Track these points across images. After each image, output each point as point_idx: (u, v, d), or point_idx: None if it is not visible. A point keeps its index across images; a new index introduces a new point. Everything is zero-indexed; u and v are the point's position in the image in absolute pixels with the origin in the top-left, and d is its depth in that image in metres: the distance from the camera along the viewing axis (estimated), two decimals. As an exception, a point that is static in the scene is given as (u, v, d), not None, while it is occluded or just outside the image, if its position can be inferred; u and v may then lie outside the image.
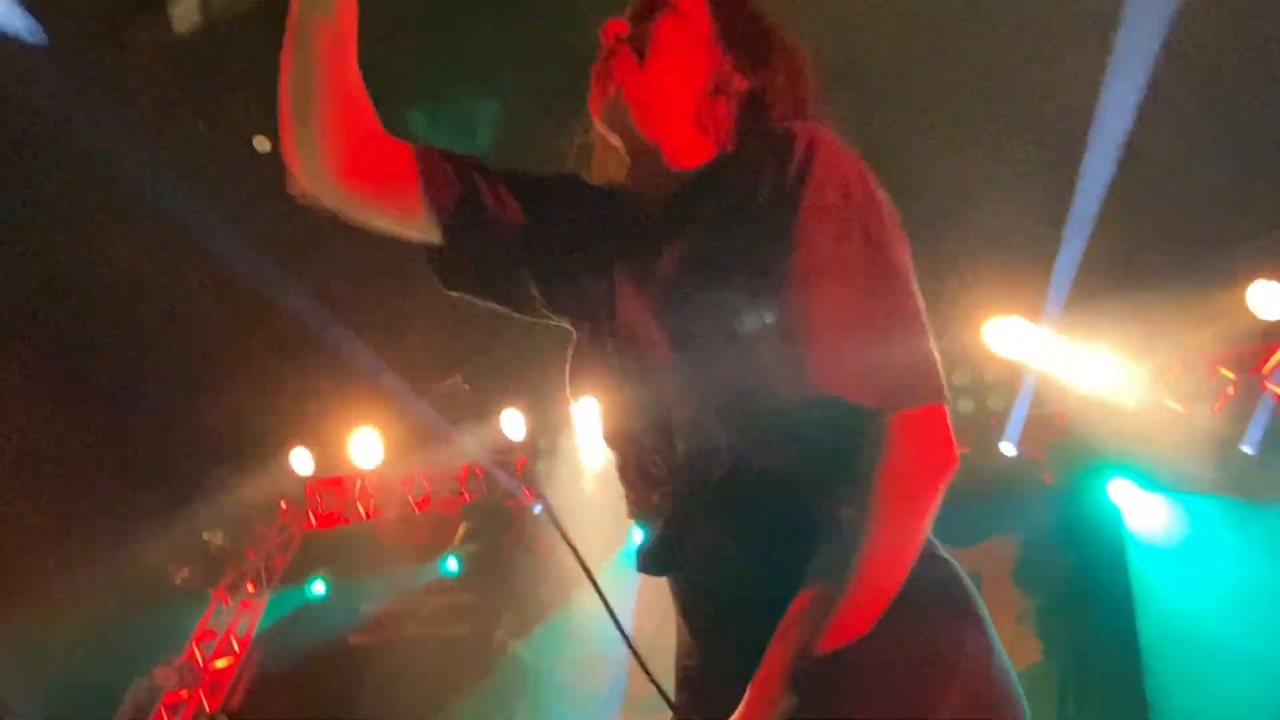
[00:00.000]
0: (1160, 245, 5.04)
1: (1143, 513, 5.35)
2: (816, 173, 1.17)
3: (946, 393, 1.10)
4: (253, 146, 5.11)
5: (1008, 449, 5.77)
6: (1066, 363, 5.62)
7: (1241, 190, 4.77)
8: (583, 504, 6.31)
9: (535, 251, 1.41)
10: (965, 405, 5.87)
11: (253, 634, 7.18)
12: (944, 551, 1.21)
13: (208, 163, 5.26)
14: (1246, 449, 5.16)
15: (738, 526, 1.19)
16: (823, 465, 1.10)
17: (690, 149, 1.35)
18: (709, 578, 1.23)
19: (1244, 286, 5.08)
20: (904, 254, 1.17)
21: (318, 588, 7.26)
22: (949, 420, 1.10)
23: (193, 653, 6.98)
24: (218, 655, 7.03)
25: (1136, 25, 4.40)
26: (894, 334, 1.10)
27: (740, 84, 1.34)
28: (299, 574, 7.35)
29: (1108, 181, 4.81)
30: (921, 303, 1.14)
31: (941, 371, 1.10)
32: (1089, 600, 5.29)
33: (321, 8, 1.28)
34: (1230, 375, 5.39)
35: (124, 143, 5.25)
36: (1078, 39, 4.54)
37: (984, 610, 1.19)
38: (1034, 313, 5.52)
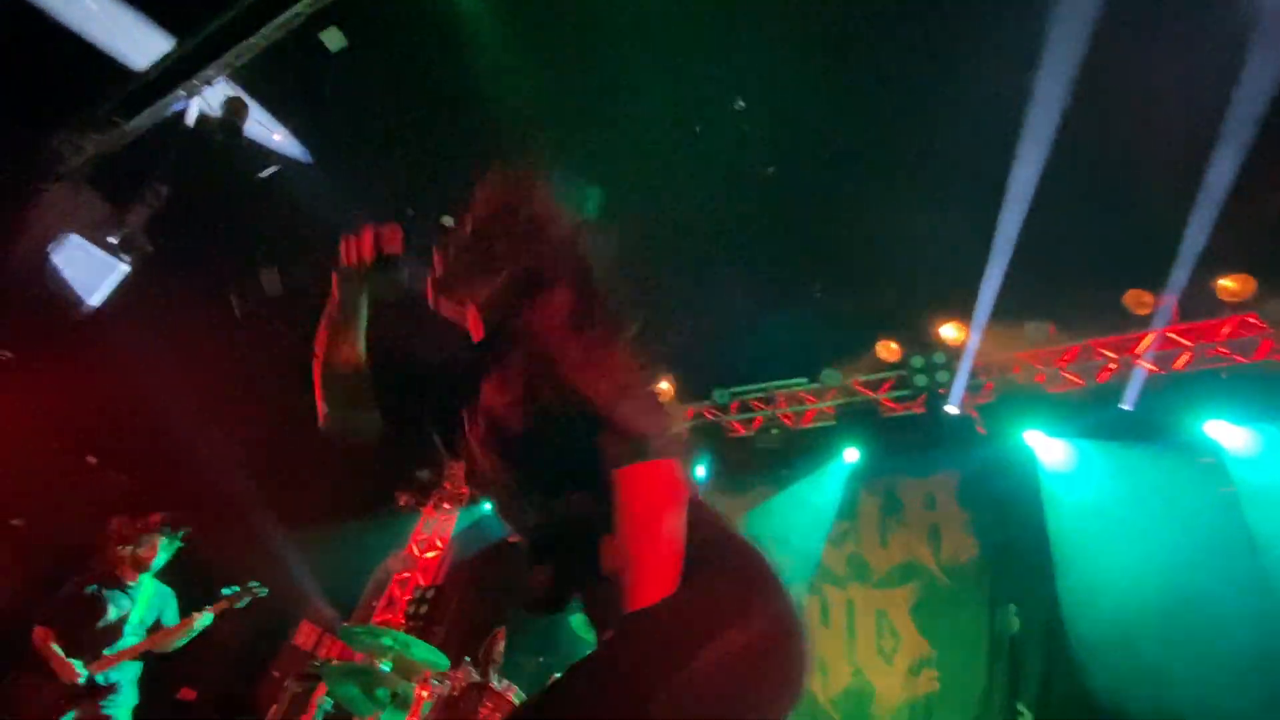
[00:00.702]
0: (1059, 266, 5.17)
1: (1050, 452, 5.36)
2: (539, 320, 1.18)
3: (668, 448, 1.07)
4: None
5: (951, 409, 5.93)
6: (993, 349, 5.81)
7: (1120, 232, 4.89)
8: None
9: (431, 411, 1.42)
10: (921, 380, 6.07)
11: (450, 536, 7.57)
12: (740, 533, 1.20)
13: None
14: (1125, 407, 5.29)
15: (561, 551, 1.19)
16: (601, 508, 1.06)
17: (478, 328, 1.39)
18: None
19: (1121, 293, 5.22)
20: (619, 349, 1.14)
21: (487, 507, 7.46)
22: (670, 469, 1.06)
23: (411, 548, 7.47)
24: (428, 549, 7.47)
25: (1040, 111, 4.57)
26: (612, 413, 1.06)
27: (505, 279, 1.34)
28: (478, 498, 7.51)
29: (1019, 227, 5.00)
30: (644, 378, 1.13)
31: (663, 432, 1.07)
32: (1012, 513, 5.30)
33: (358, 313, 1.35)
34: (1112, 355, 5.53)
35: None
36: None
37: (768, 570, 1.14)
38: (969, 314, 5.72)
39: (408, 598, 7.03)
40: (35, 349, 5.52)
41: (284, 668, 5.76)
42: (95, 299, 5.99)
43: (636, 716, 0.91)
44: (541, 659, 3.68)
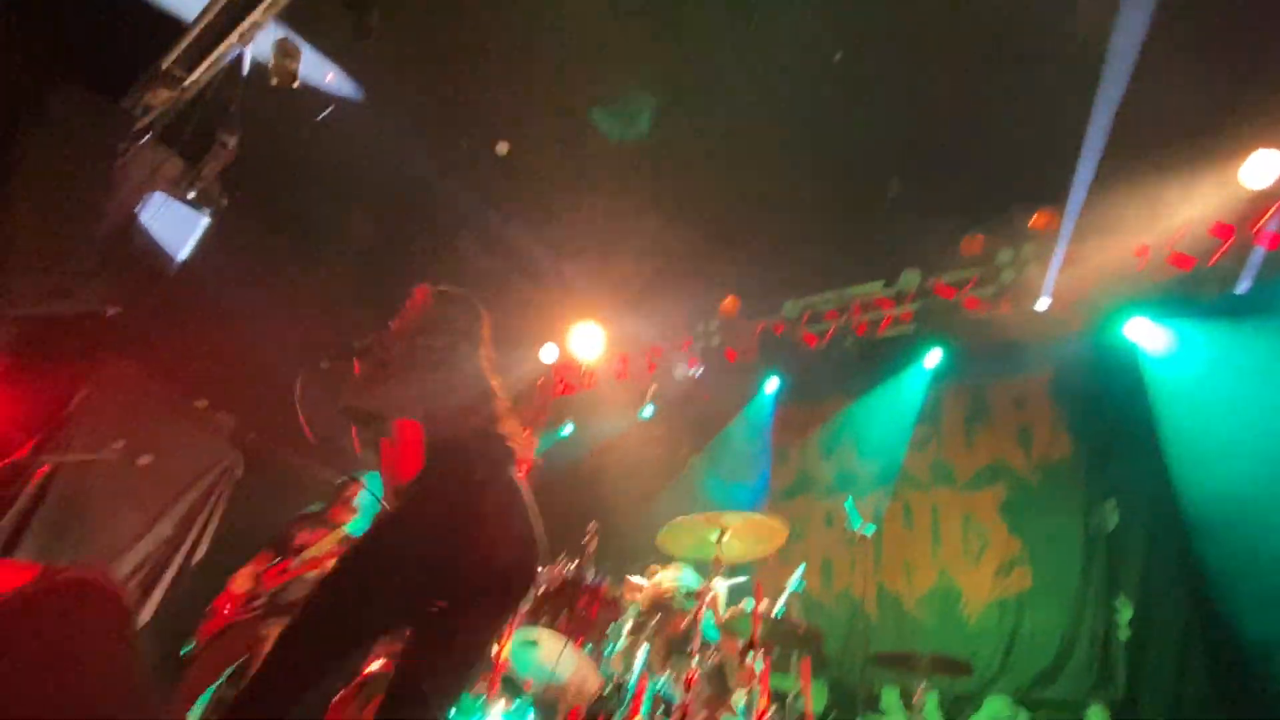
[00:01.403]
0: (1162, 142, 4.70)
1: (1153, 339, 5.03)
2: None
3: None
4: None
5: (1043, 303, 5.64)
6: (1088, 235, 5.39)
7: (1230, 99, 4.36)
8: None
9: None
10: (1009, 274, 5.76)
11: (532, 460, 8.02)
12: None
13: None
14: (1239, 289, 4.87)
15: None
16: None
17: None
18: None
19: (1237, 164, 4.71)
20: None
21: (567, 430, 7.93)
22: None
23: (497, 473, 8.03)
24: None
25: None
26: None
27: None
28: (555, 423, 8.01)
29: (1116, 104, 4.54)
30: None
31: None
32: (1110, 406, 5.10)
33: None
34: (1222, 235, 5.03)
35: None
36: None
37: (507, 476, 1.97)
38: (1061, 202, 5.30)
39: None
40: (138, 304, 5.92)
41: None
42: (183, 253, 6.30)
43: None
44: (635, 565, 3.81)
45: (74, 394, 5.49)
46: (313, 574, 3.85)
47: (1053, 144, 4.92)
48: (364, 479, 4.33)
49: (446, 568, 1.61)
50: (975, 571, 5.08)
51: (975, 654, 4.55)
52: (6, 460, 4.87)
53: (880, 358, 6.32)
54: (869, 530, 3.97)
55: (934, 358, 6.00)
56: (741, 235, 6.28)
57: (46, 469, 4.82)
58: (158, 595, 5.59)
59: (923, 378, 6.06)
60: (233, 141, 6.33)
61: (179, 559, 5.80)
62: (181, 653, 3.83)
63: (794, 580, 3.72)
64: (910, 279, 6.24)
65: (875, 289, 6.56)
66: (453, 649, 1.57)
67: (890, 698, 4.84)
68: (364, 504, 4.28)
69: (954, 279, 6.16)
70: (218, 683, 3.68)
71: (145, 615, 5.43)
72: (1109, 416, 5.06)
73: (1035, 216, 5.55)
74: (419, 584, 1.58)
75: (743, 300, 7.04)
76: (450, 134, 5.95)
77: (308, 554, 3.97)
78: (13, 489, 4.87)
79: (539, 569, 2.09)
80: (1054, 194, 5.21)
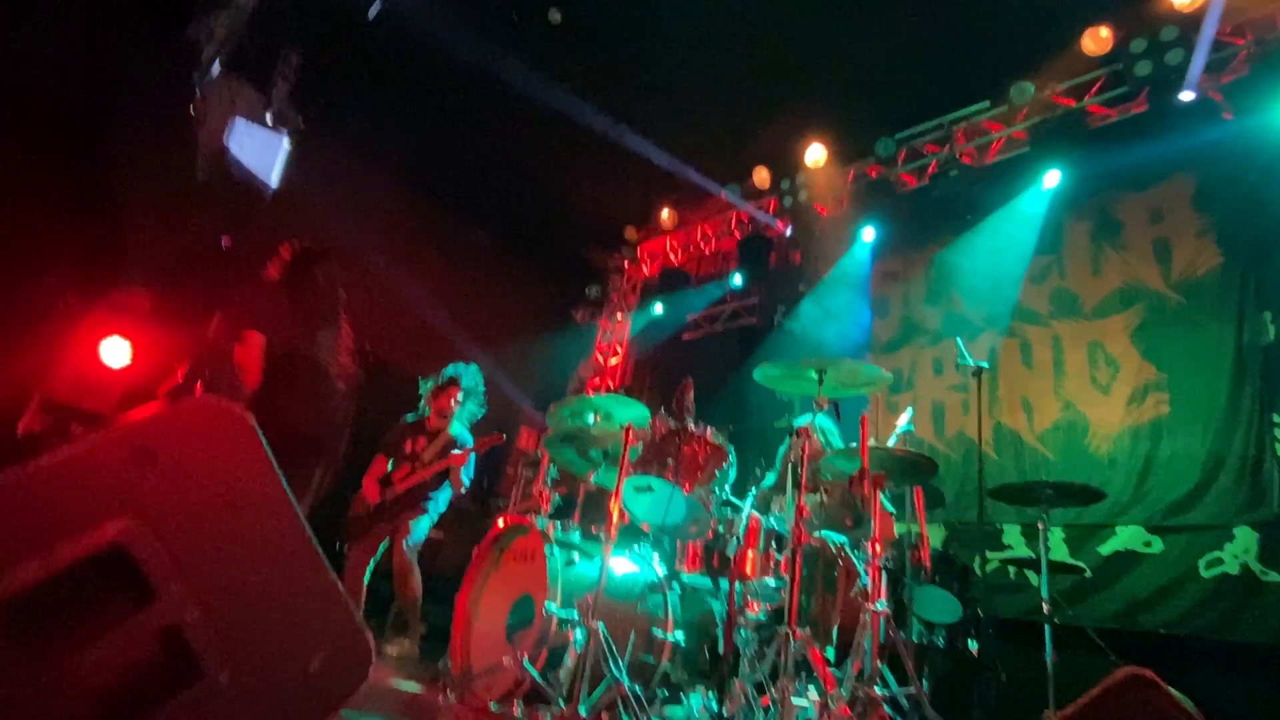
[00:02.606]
0: None
1: None
2: None
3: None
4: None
5: (1186, 96, 4.87)
6: (1247, 5, 4.53)
7: None
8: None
9: None
10: (1143, 68, 5.00)
11: (627, 341, 8.11)
12: None
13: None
14: None
15: None
16: None
17: None
18: None
19: None
20: None
21: (657, 309, 7.92)
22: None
23: (596, 357, 8.16)
24: (610, 355, 8.12)
25: None
26: None
27: None
28: (645, 302, 8.09)
29: None
30: None
31: None
32: (1269, 209, 4.43)
33: None
34: None
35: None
36: None
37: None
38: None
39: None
40: (244, 232, 6.30)
41: (514, 463, 6.77)
42: (274, 178, 6.56)
43: None
44: (732, 427, 3.87)
45: (210, 320, 6.04)
46: (432, 475, 4.46)
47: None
48: (457, 379, 4.68)
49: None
50: (1104, 402, 4.79)
51: (1105, 484, 4.38)
52: (168, 386, 5.53)
53: (990, 188, 5.80)
54: (983, 366, 3.79)
55: (1053, 178, 5.43)
56: (823, 71, 5.77)
57: (200, 389, 5.44)
58: (308, 500, 6.30)
59: (1039, 203, 5.52)
60: (295, 58, 6.39)
61: (327, 462, 6.47)
62: (337, 548, 4.44)
63: (903, 421, 3.67)
64: (1022, 92, 5.57)
65: (981, 110, 5.92)
66: None
67: (1012, 533, 4.81)
68: (457, 409, 4.69)
69: (1074, 85, 5.44)
70: (370, 569, 4.38)
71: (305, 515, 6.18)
72: (1265, 220, 4.46)
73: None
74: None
75: (831, 146, 6.58)
76: (501, 10, 5.70)
77: (426, 457, 4.53)
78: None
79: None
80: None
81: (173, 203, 5.64)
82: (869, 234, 6.49)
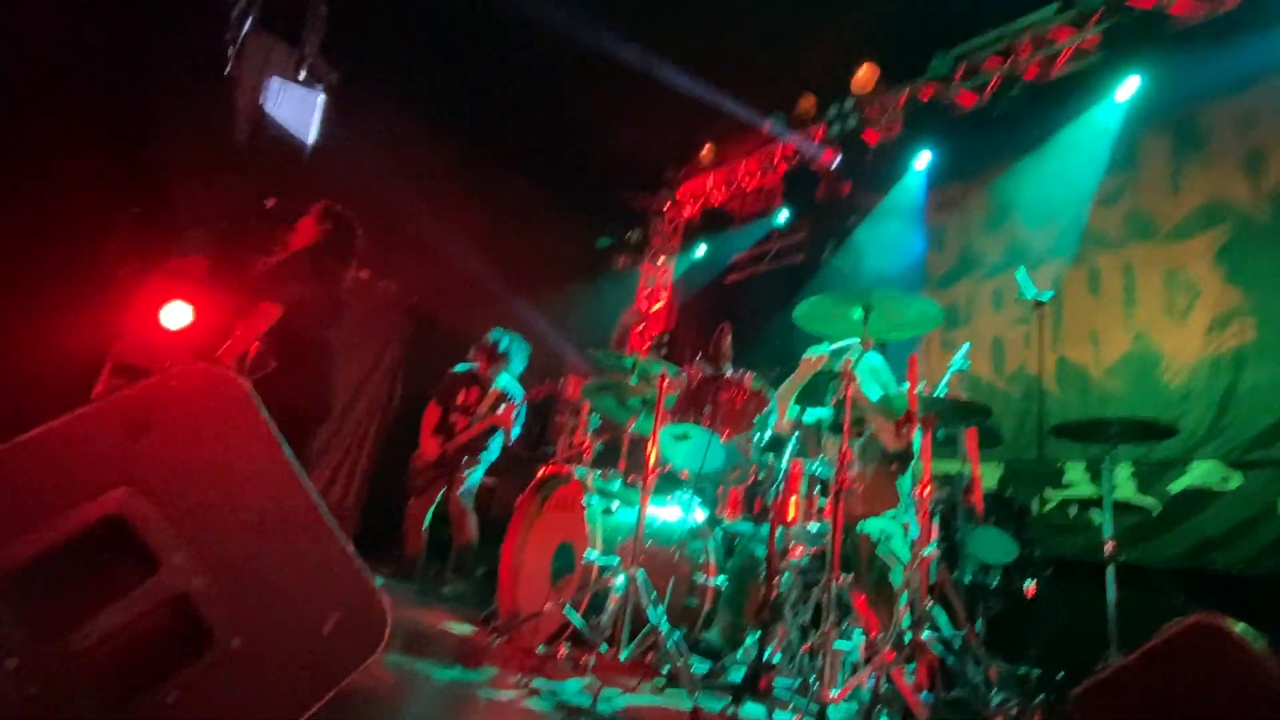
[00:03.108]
0: None
1: None
2: None
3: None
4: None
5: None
6: None
7: None
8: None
9: None
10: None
11: (671, 284, 7.99)
12: None
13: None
14: None
15: None
16: None
17: None
18: None
19: None
20: None
21: (700, 251, 7.78)
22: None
23: (639, 303, 8.09)
24: (653, 302, 8.01)
25: None
26: None
27: None
28: (687, 244, 7.92)
29: None
30: None
31: None
32: None
33: None
34: None
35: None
36: None
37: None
38: None
39: (646, 345, 7.69)
40: (285, 192, 6.38)
41: (562, 412, 6.85)
42: (311, 135, 6.56)
43: None
44: (778, 370, 3.77)
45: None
46: (485, 429, 4.69)
47: None
48: (504, 338, 4.78)
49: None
50: (1181, 330, 4.46)
51: (1179, 417, 4.12)
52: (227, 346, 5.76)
53: (1056, 105, 5.33)
54: (1046, 297, 3.54)
55: (1129, 88, 4.95)
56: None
57: (258, 347, 5.64)
58: (367, 448, 6.55)
59: (1113, 117, 5.06)
60: (324, 9, 6.29)
61: (379, 413, 6.69)
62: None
63: (957, 358, 3.49)
64: (1094, -8, 5.04)
65: (1048, 16, 5.40)
66: None
67: (1075, 471, 4.60)
68: (507, 360, 4.83)
69: (1157, -22, 4.88)
70: (429, 517, 4.70)
71: (362, 466, 6.44)
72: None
73: None
74: None
75: (881, 66, 6.15)
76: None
77: (481, 410, 4.74)
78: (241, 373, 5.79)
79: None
80: None
81: (217, 167, 5.73)
82: (923, 160, 6.11)
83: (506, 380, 4.84)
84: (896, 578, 2.73)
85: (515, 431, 4.79)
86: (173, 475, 0.87)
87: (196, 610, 0.87)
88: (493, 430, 4.71)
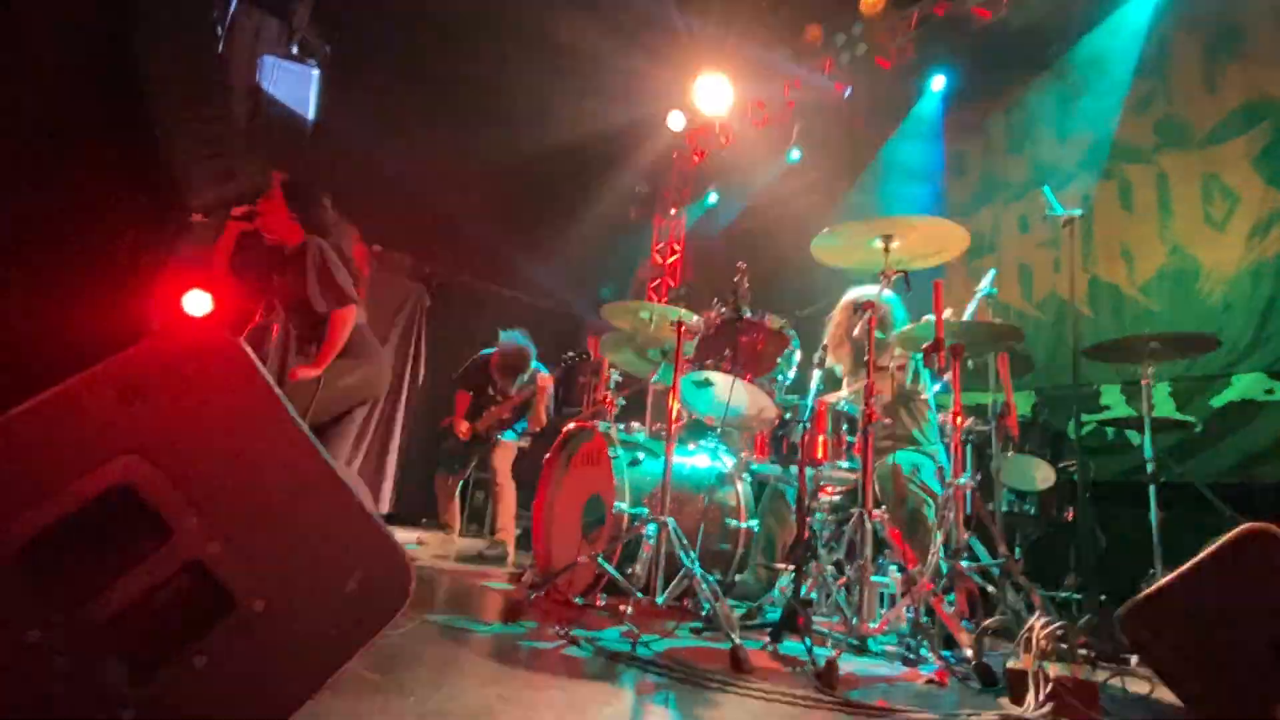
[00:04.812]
0: None
1: None
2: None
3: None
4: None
5: None
6: None
7: None
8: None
9: None
10: None
11: (683, 237, 7.86)
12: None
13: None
14: None
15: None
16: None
17: None
18: None
19: None
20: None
21: (712, 198, 7.62)
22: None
23: (655, 257, 7.92)
24: (668, 255, 7.87)
25: None
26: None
27: None
28: (698, 193, 7.71)
29: None
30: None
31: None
32: None
33: None
34: None
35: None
36: None
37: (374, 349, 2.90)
38: None
39: (664, 299, 7.61)
40: (290, 170, 6.34)
41: (584, 371, 6.84)
42: (310, 111, 6.46)
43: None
44: (799, 312, 3.70)
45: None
46: (514, 409, 4.88)
47: None
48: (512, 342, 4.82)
49: None
50: (1220, 240, 4.26)
51: (1220, 331, 3.96)
52: (251, 326, 5.82)
53: (1080, 9, 5.03)
54: (1076, 213, 3.38)
55: (1157, -18, 4.63)
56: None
57: (279, 326, 5.70)
58: (399, 419, 6.63)
59: (1140, 16, 4.76)
60: (309, -23, 6.14)
61: (405, 383, 6.75)
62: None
63: (984, 284, 3.36)
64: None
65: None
66: None
67: (1111, 393, 4.48)
68: (527, 359, 4.91)
69: None
70: (459, 486, 4.97)
71: (395, 439, 6.53)
72: None
73: None
74: None
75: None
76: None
77: (512, 392, 4.91)
78: (264, 349, 5.86)
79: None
80: None
81: (214, 148, 5.68)
82: (939, 82, 5.84)
83: (534, 365, 4.97)
84: (930, 511, 2.69)
85: (547, 413, 4.95)
86: (175, 439, 0.85)
87: (215, 575, 0.86)
88: (522, 409, 4.87)
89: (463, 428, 4.84)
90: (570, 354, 5.21)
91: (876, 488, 2.65)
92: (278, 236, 2.85)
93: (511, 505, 4.77)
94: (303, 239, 2.74)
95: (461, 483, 5.05)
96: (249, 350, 0.90)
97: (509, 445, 4.89)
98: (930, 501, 2.69)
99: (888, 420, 2.94)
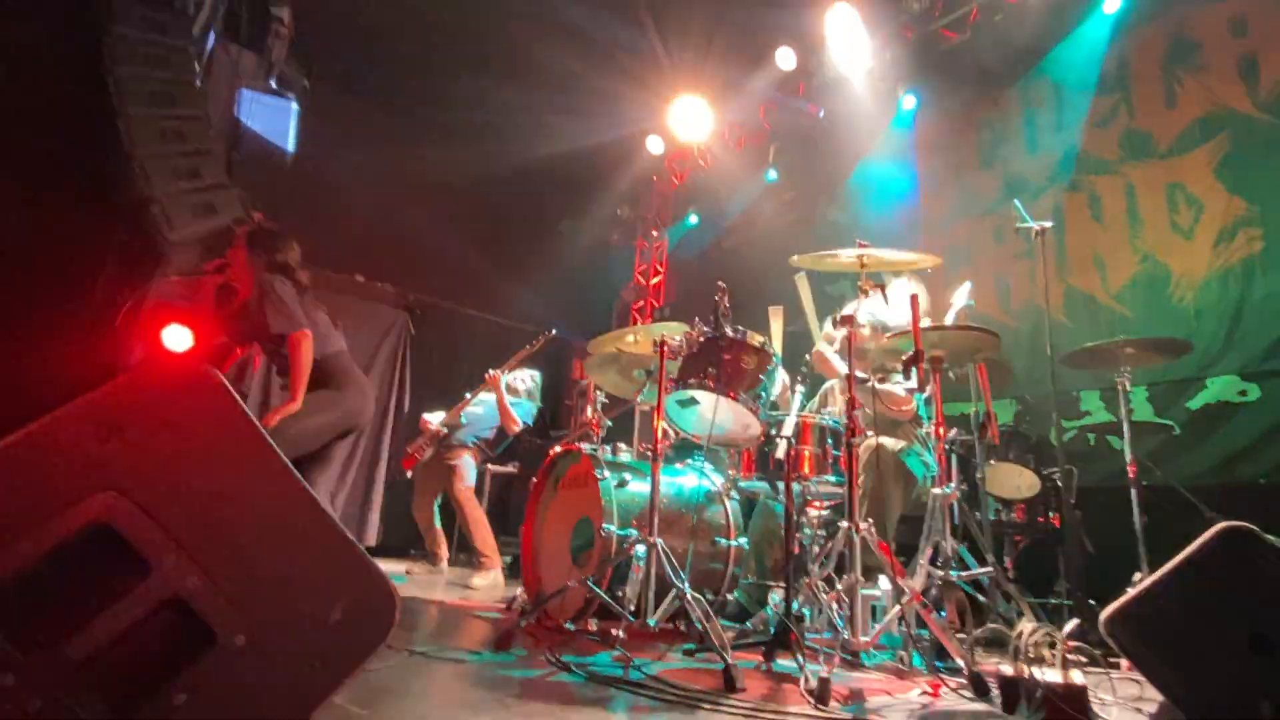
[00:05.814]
0: None
1: None
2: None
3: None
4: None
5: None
6: None
7: None
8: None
9: None
10: None
11: (666, 258, 7.95)
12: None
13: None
14: None
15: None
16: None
17: None
18: None
19: None
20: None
21: (692, 219, 7.71)
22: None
23: (638, 278, 7.96)
24: (651, 276, 7.93)
25: None
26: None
27: None
28: (679, 214, 7.83)
29: None
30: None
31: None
32: None
33: None
34: None
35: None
36: None
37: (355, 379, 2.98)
38: None
39: (648, 320, 7.64)
40: (270, 203, 6.34)
41: (570, 395, 6.84)
42: (290, 144, 6.47)
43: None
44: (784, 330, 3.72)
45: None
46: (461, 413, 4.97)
47: None
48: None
49: None
50: (1188, 248, 4.37)
51: (1193, 335, 4.05)
52: (231, 361, 5.77)
53: (1041, 28, 5.19)
54: (1045, 225, 3.46)
55: (1114, 1, 4.80)
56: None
57: (261, 358, 5.65)
58: (385, 449, 6.56)
59: (1099, 33, 4.92)
60: (286, 14, 6.18)
61: (390, 412, 6.69)
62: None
63: (960, 295, 3.44)
64: (1070, -94, 4.87)
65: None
66: None
67: (1090, 399, 4.55)
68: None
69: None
70: (437, 516, 4.96)
71: (380, 469, 6.46)
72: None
73: None
74: None
75: (858, 8, 5.98)
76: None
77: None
78: (243, 384, 5.79)
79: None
80: None
81: (192, 183, 5.65)
82: (909, 102, 5.98)
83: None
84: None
85: (522, 418, 4.85)
86: (154, 475, 0.84)
87: (195, 610, 0.85)
88: (484, 419, 4.92)
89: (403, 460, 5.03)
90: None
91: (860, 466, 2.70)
92: (240, 284, 2.91)
93: (479, 524, 4.65)
94: (254, 282, 2.81)
95: (436, 509, 4.99)
96: (228, 385, 0.90)
97: (463, 464, 4.83)
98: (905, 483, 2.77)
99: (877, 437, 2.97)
